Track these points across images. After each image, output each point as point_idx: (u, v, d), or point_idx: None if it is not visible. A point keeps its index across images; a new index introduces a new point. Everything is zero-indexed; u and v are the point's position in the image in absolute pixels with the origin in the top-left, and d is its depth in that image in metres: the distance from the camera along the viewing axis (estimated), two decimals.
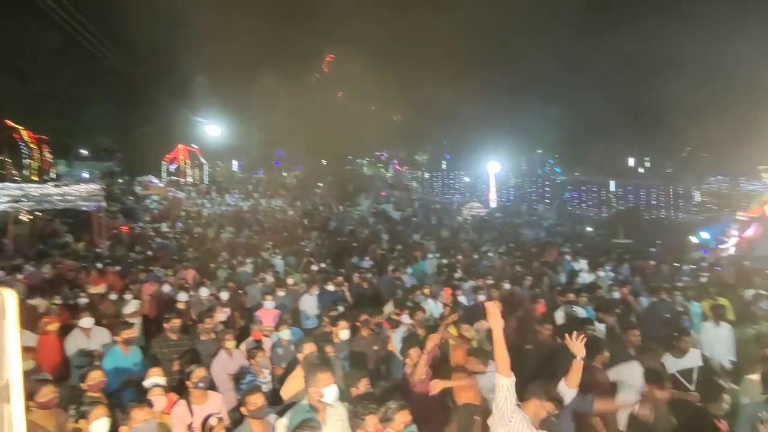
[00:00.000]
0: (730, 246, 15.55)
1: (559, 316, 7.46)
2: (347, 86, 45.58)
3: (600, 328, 6.72)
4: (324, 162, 43.32)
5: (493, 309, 3.36)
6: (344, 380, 4.52)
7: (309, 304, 8.42)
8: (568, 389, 3.73)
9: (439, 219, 27.24)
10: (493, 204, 33.13)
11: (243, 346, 5.84)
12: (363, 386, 4.19)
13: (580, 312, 7.55)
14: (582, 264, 12.35)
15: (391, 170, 43.91)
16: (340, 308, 7.59)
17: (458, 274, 11.01)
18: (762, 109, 17.83)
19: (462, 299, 8.35)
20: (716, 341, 6.49)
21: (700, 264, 13.68)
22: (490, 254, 15.43)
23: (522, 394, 3.48)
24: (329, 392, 3.68)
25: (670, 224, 25.94)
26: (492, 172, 34.38)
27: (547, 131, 36.58)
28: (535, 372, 4.86)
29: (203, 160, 35.55)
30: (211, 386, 4.52)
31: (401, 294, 8.82)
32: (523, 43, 31.38)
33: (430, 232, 21.77)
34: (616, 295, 8.94)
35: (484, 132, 35.30)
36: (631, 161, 40.27)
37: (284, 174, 39.97)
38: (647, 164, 40.37)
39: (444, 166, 43.02)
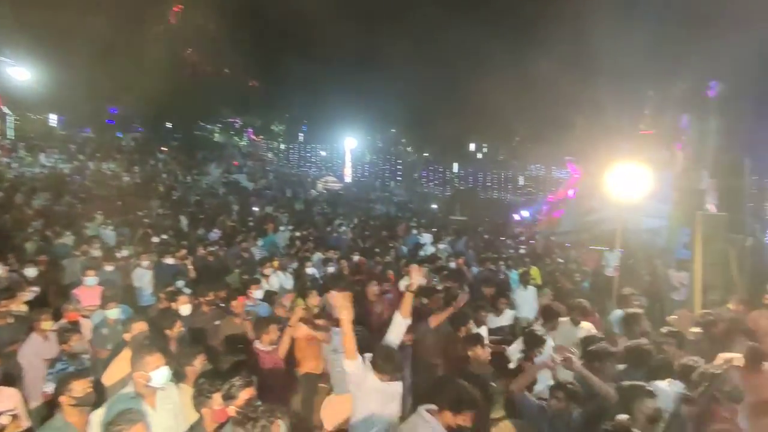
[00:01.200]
0: (542, 223, 18.46)
1: (403, 286, 7.99)
2: (197, 43, 41.49)
3: None
4: (169, 125, 39.08)
5: (342, 300, 3.46)
6: (178, 359, 4.23)
7: (144, 279, 7.63)
8: (400, 318, 4.01)
9: (293, 191, 26.89)
10: (348, 179, 33.82)
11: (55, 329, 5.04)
12: (199, 364, 3.96)
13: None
14: (427, 237, 13.41)
15: (245, 139, 41.61)
16: (180, 282, 7.04)
17: (307, 246, 11.05)
18: (568, 111, 21.43)
19: (311, 271, 8.40)
20: (524, 302, 7.68)
21: (519, 238, 15.99)
22: (342, 228, 15.79)
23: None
24: (158, 375, 3.38)
25: (499, 203, 29.71)
26: (348, 148, 34.96)
27: (401, 112, 38.37)
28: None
29: (6, 110, 29.15)
30: (6, 380, 3.80)
31: (250, 267, 8.52)
32: (380, 26, 32.09)
33: (283, 205, 21.37)
34: (453, 265, 9.95)
35: (342, 107, 35.48)
36: (472, 146, 44.45)
37: (119, 135, 34.98)
38: (485, 150, 45.00)
39: (301, 139, 42.29)
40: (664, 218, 12.60)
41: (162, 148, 32.36)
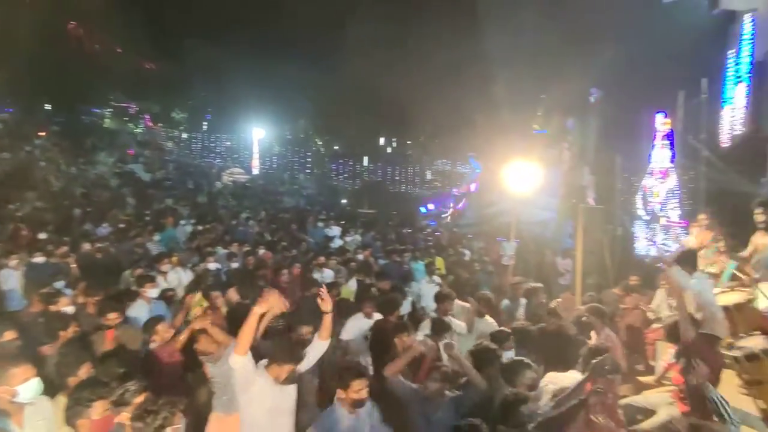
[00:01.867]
0: (447, 216, 19.38)
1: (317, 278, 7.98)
2: (82, 16, 37.27)
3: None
4: (48, 107, 34.72)
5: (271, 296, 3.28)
6: (59, 369, 3.80)
7: (11, 280, 6.74)
8: (319, 341, 3.82)
9: (196, 183, 25.41)
10: (255, 170, 32.70)
11: None
12: (84, 374, 3.59)
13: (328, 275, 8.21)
14: (335, 230, 13.45)
15: (142, 126, 38.30)
16: (60, 283, 6.34)
17: (210, 240, 10.53)
18: (471, 110, 22.73)
19: (213, 266, 8.02)
20: (429, 292, 8.00)
21: (426, 230, 16.62)
22: (250, 221, 15.27)
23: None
24: (27, 389, 3.00)
25: (407, 197, 30.62)
26: (256, 138, 33.75)
27: (312, 104, 37.84)
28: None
29: None
30: None
31: (145, 263, 7.90)
32: (290, 13, 31.32)
33: (185, 197, 20.11)
34: (361, 257, 10.07)
35: (250, 96, 34.10)
36: (382, 141, 45.15)
37: None
38: (394, 145, 45.94)
39: (205, 128, 39.91)
40: (553, 211, 13.87)
41: (40, 133, 28.69)
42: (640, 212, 11.78)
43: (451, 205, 19.57)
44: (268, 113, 34.97)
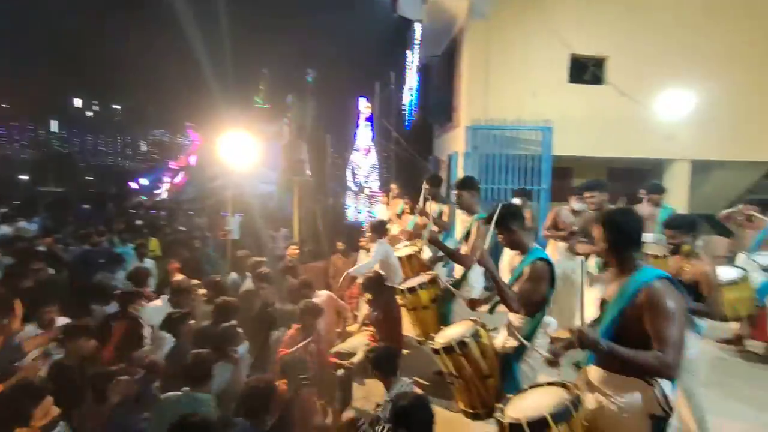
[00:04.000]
0: (163, 191, 17.63)
1: None
2: None
3: None
4: None
5: None
6: None
7: None
8: None
9: None
10: None
11: None
12: None
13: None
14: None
15: None
16: None
17: None
18: (191, 78, 21.12)
19: None
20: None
21: (138, 208, 14.74)
22: None
23: None
24: None
25: (115, 171, 26.49)
26: None
27: None
28: None
29: None
30: None
31: None
32: None
33: None
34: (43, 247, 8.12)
35: None
36: (78, 102, 37.70)
37: None
38: (96, 108, 39.06)
39: None
40: (275, 184, 14.33)
41: None
42: (350, 184, 13.38)
43: (169, 178, 17.85)
44: None
